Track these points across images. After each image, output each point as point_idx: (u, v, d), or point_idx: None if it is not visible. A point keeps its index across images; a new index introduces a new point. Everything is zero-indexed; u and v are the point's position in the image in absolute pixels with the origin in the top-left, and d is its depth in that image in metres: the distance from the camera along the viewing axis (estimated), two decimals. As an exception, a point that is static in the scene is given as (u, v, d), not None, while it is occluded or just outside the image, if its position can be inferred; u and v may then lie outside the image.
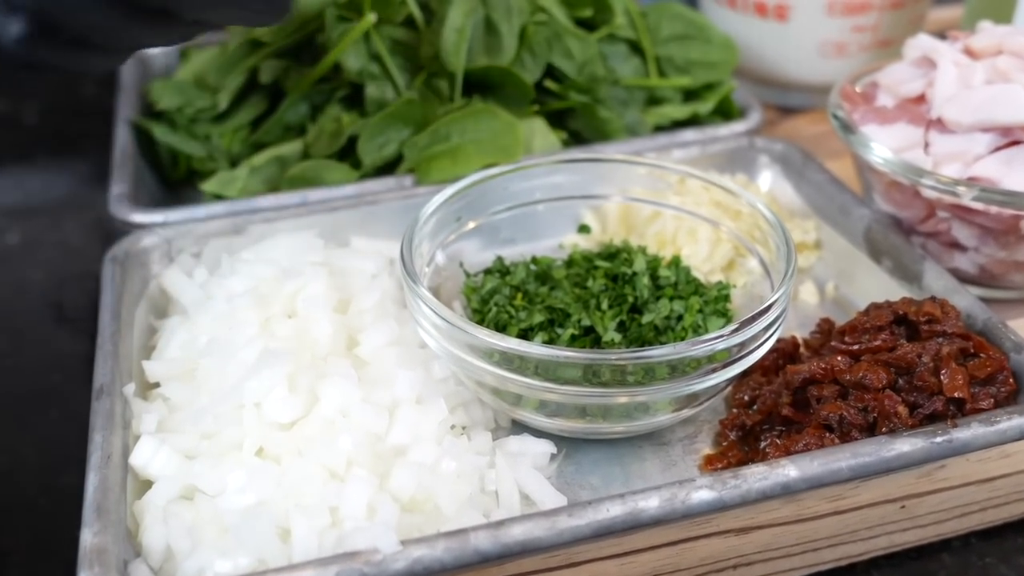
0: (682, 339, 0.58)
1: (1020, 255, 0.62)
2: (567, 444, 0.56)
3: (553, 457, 0.54)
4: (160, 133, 0.76)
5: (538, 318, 0.58)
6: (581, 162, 0.65)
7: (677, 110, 0.78)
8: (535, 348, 0.49)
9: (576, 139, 0.77)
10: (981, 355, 0.54)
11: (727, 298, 0.60)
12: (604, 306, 0.59)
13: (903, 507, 0.53)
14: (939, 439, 0.49)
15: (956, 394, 0.50)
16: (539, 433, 0.55)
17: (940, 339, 0.53)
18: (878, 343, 0.53)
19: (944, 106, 0.61)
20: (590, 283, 0.61)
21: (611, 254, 0.63)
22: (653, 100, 0.81)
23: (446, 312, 0.50)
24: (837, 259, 0.68)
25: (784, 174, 0.74)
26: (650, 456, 0.55)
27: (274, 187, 0.71)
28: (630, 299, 0.59)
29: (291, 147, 0.72)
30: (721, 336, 0.50)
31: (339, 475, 0.48)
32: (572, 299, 0.59)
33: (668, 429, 0.57)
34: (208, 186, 0.70)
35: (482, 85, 0.75)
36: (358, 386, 0.52)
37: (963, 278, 0.65)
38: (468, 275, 0.63)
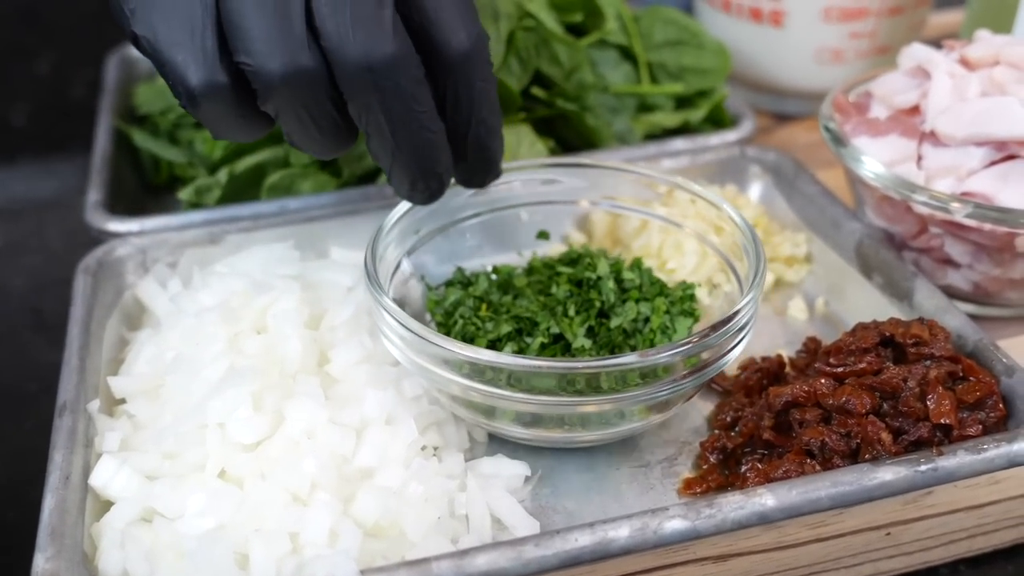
0: (651, 341, 0.57)
1: (1015, 273, 0.60)
2: (544, 465, 0.54)
3: (528, 479, 0.53)
4: (140, 139, 0.75)
5: (506, 328, 0.56)
6: (556, 167, 0.63)
7: (668, 118, 0.76)
8: (508, 359, 0.48)
9: (565, 147, 0.76)
10: (970, 379, 0.52)
11: (692, 297, 0.59)
12: (572, 312, 0.57)
13: (888, 534, 0.52)
14: (923, 468, 0.47)
15: (943, 420, 0.49)
16: (515, 453, 0.54)
17: (928, 362, 0.52)
18: (863, 366, 0.51)
19: (937, 118, 0.59)
20: (554, 290, 0.59)
21: (572, 259, 0.62)
22: (644, 107, 0.79)
23: (413, 324, 0.49)
24: (828, 274, 0.66)
25: (776, 185, 0.72)
26: (628, 479, 0.53)
27: (253, 195, 0.69)
28: (596, 304, 0.58)
29: (271, 154, 0.71)
30: (688, 343, 0.48)
31: (302, 499, 0.47)
32: (538, 307, 0.58)
33: (647, 450, 0.55)
34: (185, 194, 0.68)
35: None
36: (325, 406, 0.50)
37: (956, 295, 0.64)
38: (430, 287, 0.62)
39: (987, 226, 0.57)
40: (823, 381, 0.51)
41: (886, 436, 0.48)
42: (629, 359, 0.47)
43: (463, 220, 0.63)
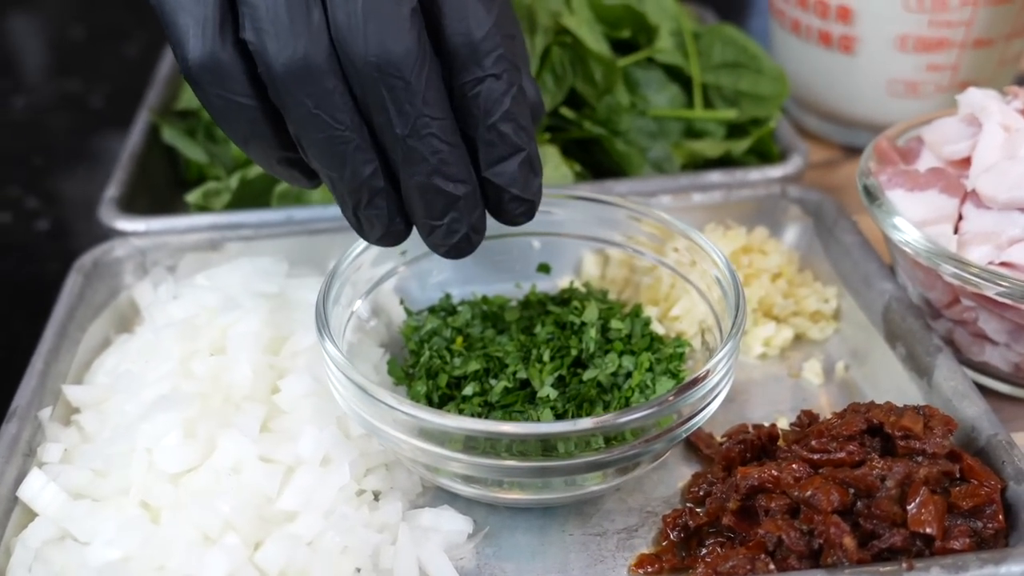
0: (627, 399, 0.52)
1: (1059, 357, 0.53)
2: (495, 522, 0.51)
3: (473, 536, 0.50)
4: (168, 134, 0.74)
5: (473, 366, 0.53)
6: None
7: (710, 147, 0.71)
8: (430, 416, 0.44)
9: (596, 172, 0.72)
10: (972, 481, 0.46)
11: (682, 357, 0.55)
12: (545, 358, 0.53)
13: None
14: (885, 583, 0.42)
15: (924, 529, 0.43)
16: (468, 505, 0.51)
17: (919, 458, 0.46)
18: (842, 455, 0.46)
19: (980, 177, 0.53)
20: (538, 330, 0.56)
21: (564, 300, 0.58)
22: (693, 133, 0.74)
23: (350, 370, 0.46)
24: (855, 336, 0.60)
25: (816, 230, 0.66)
26: (579, 547, 0.49)
27: (264, 202, 0.68)
28: (574, 352, 0.54)
29: (288, 160, 0.69)
30: (627, 415, 0.44)
31: (212, 539, 0.45)
32: (515, 347, 0.54)
33: (608, 517, 0.51)
34: (192, 197, 0.68)
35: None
36: (260, 440, 0.48)
37: (995, 375, 0.56)
38: (410, 313, 0.59)
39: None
40: (795, 467, 0.46)
41: (849, 541, 0.43)
42: (553, 428, 0.44)
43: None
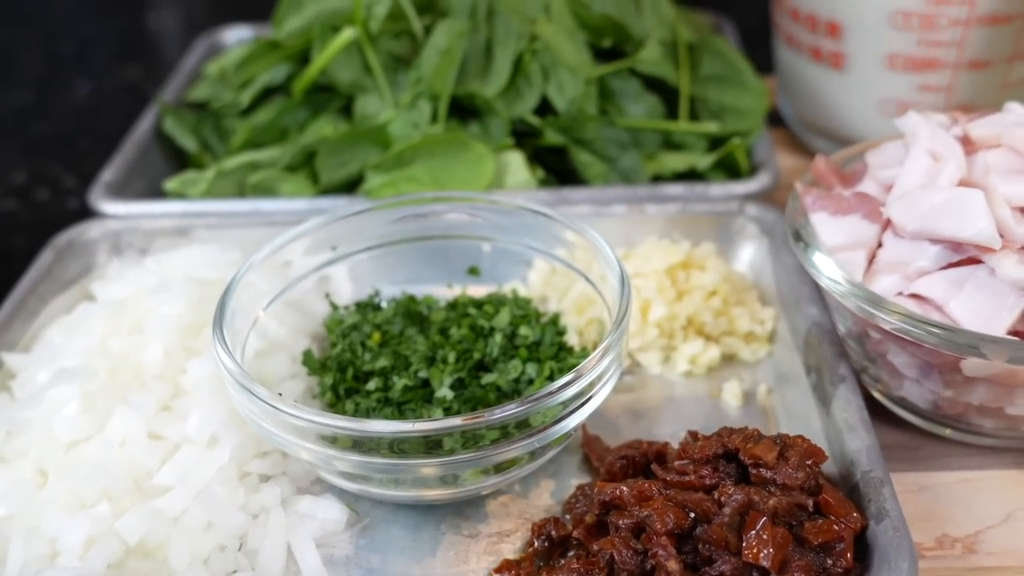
0: None
1: (970, 397, 0.50)
2: (376, 515, 0.52)
3: (351, 526, 0.51)
4: (169, 123, 0.78)
5: (381, 363, 0.55)
6: (441, 201, 0.60)
7: (677, 160, 0.70)
8: (302, 413, 0.46)
9: (564, 179, 0.72)
10: (830, 516, 0.44)
11: None
12: (450, 359, 0.54)
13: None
14: (701, 611, 0.41)
15: (760, 562, 0.42)
16: (355, 497, 0.52)
17: (772, 488, 0.45)
18: (691, 478, 0.45)
19: (893, 204, 0.51)
20: (453, 331, 0.57)
21: (482, 303, 0.58)
22: (673, 145, 0.73)
23: (227, 360, 0.49)
24: (785, 359, 0.59)
25: (768, 249, 0.64)
26: (448, 546, 0.50)
27: (241, 192, 0.71)
28: (476, 355, 0.54)
29: (267, 154, 0.73)
30: (485, 417, 0.45)
31: (87, 505, 0.48)
32: (426, 346, 0.56)
33: (488, 520, 0.52)
34: (171, 184, 0.71)
35: (468, 111, 0.72)
36: (155, 418, 0.51)
37: (915, 411, 0.54)
38: (335, 307, 0.60)
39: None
40: (646, 486, 0.46)
41: (673, 565, 0.42)
42: (398, 427, 0.45)
43: (396, 243, 0.62)
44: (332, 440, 0.47)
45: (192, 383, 0.53)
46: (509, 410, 0.45)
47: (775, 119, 0.82)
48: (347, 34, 0.70)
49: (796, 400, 0.55)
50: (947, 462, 0.53)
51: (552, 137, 0.69)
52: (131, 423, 0.50)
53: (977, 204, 0.48)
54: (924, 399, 0.53)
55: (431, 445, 0.46)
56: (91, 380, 0.51)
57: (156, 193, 0.75)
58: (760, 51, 0.89)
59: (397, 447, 0.46)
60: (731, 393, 0.58)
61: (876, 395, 0.56)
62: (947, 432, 0.54)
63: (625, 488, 0.46)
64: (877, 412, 0.55)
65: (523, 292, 0.62)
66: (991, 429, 0.53)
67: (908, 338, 0.48)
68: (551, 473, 0.54)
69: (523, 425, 0.46)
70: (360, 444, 0.46)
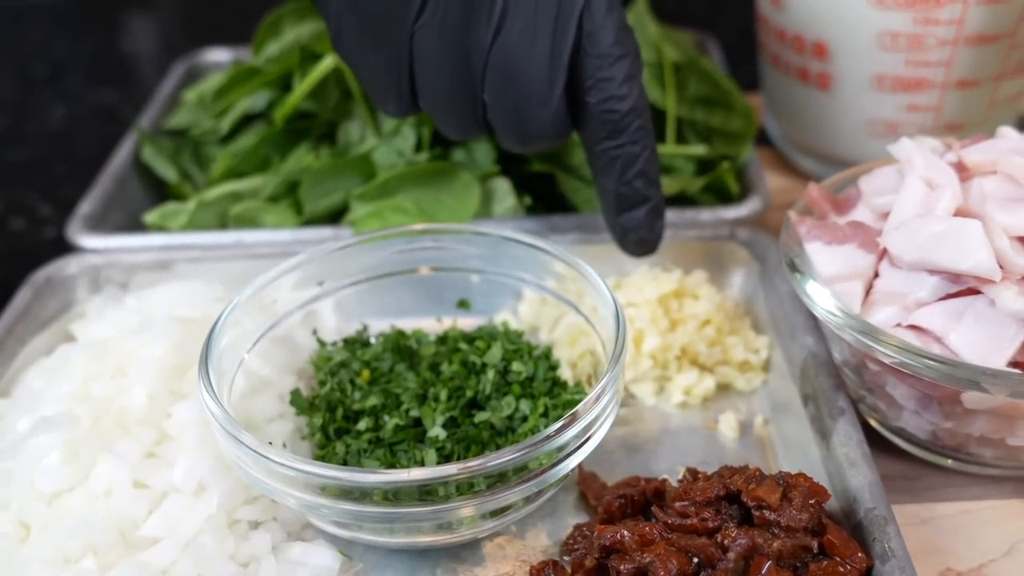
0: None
1: (971, 428, 0.50)
2: (370, 560, 0.51)
3: (343, 573, 0.50)
4: (147, 153, 0.77)
5: (371, 402, 0.54)
6: (431, 234, 0.59)
7: (667, 184, 0.69)
8: (291, 462, 0.45)
9: (553, 206, 0.71)
10: (835, 557, 0.44)
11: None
12: (442, 397, 0.53)
13: None
14: (707, 661, 0.40)
15: (765, 606, 0.41)
16: (347, 542, 0.51)
17: (775, 529, 0.44)
18: (693, 521, 0.44)
19: (890, 233, 0.50)
20: (444, 367, 0.55)
21: (473, 338, 0.57)
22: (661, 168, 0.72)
23: (213, 406, 0.47)
24: (781, 389, 0.58)
25: (760, 276, 0.64)
26: (444, 592, 0.49)
27: (223, 223, 0.70)
28: (469, 393, 0.53)
29: (249, 183, 0.71)
30: (480, 464, 0.44)
31: (71, 560, 0.46)
32: (418, 385, 0.54)
33: (485, 563, 0.51)
34: (151, 217, 0.70)
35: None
36: (140, 465, 0.50)
37: (914, 441, 0.54)
38: (323, 344, 0.59)
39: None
40: (648, 530, 0.45)
41: (678, 613, 0.41)
42: (393, 476, 0.44)
43: (384, 277, 0.61)
44: (322, 489, 0.45)
45: (177, 428, 0.52)
46: (506, 456, 0.44)
47: (761, 138, 0.82)
48: (328, 62, 0.69)
49: (793, 431, 0.55)
50: (947, 492, 0.53)
51: (539, 164, 0.68)
52: (116, 472, 0.49)
53: (975, 234, 0.47)
54: (923, 430, 0.52)
55: (425, 493, 0.45)
56: (73, 428, 0.50)
57: (135, 224, 0.74)
58: (743, 67, 0.89)
59: (390, 495, 0.45)
60: (727, 424, 0.57)
61: (874, 424, 0.56)
62: (948, 463, 0.53)
63: (626, 532, 0.45)
64: (875, 441, 0.54)
65: (514, 324, 0.61)
66: (991, 459, 0.52)
67: (907, 371, 0.47)
68: (547, 512, 0.53)
69: (521, 470, 0.45)
70: (350, 492, 0.45)
